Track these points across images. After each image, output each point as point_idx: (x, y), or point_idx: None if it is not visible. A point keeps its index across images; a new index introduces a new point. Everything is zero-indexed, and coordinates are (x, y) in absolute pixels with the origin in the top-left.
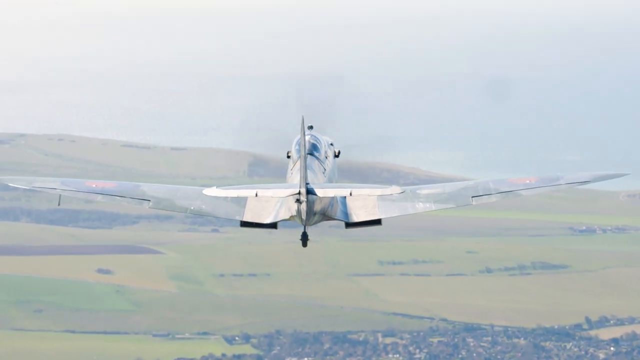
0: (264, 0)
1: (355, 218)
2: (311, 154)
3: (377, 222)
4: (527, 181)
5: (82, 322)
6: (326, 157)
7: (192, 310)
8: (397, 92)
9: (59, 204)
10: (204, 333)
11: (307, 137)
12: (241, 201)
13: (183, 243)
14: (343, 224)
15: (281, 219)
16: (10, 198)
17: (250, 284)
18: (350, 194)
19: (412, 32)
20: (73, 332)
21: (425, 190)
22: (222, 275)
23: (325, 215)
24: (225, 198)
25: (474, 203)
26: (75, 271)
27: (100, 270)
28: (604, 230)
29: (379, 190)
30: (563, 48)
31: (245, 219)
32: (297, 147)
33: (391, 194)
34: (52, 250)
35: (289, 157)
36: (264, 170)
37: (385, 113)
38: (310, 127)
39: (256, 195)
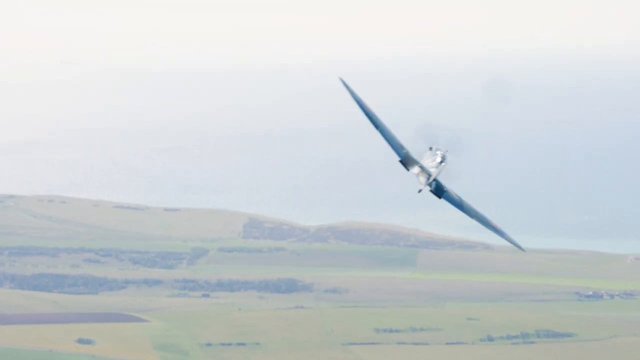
0: (260, 61)
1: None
2: (442, 162)
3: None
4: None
5: None
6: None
7: None
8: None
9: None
10: None
11: (442, 153)
12: (408, 158)
13: (171, 310)
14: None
15: (413, 172)
16: None
17: (238, 353)
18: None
19: (410, 88)
20: None
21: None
22: (209, 345)
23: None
24: (402, 147)
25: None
26: (54, 341)
27: (80, 340)
28: (612, 296)
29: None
30: (576, 106)
31: (402, 161)
32: (438, 160)
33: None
34: (31, 319)
35: (430, 149)
36: (258, 232)
37: (389, 170)
38: (433, 147)
39: (420, 166)
